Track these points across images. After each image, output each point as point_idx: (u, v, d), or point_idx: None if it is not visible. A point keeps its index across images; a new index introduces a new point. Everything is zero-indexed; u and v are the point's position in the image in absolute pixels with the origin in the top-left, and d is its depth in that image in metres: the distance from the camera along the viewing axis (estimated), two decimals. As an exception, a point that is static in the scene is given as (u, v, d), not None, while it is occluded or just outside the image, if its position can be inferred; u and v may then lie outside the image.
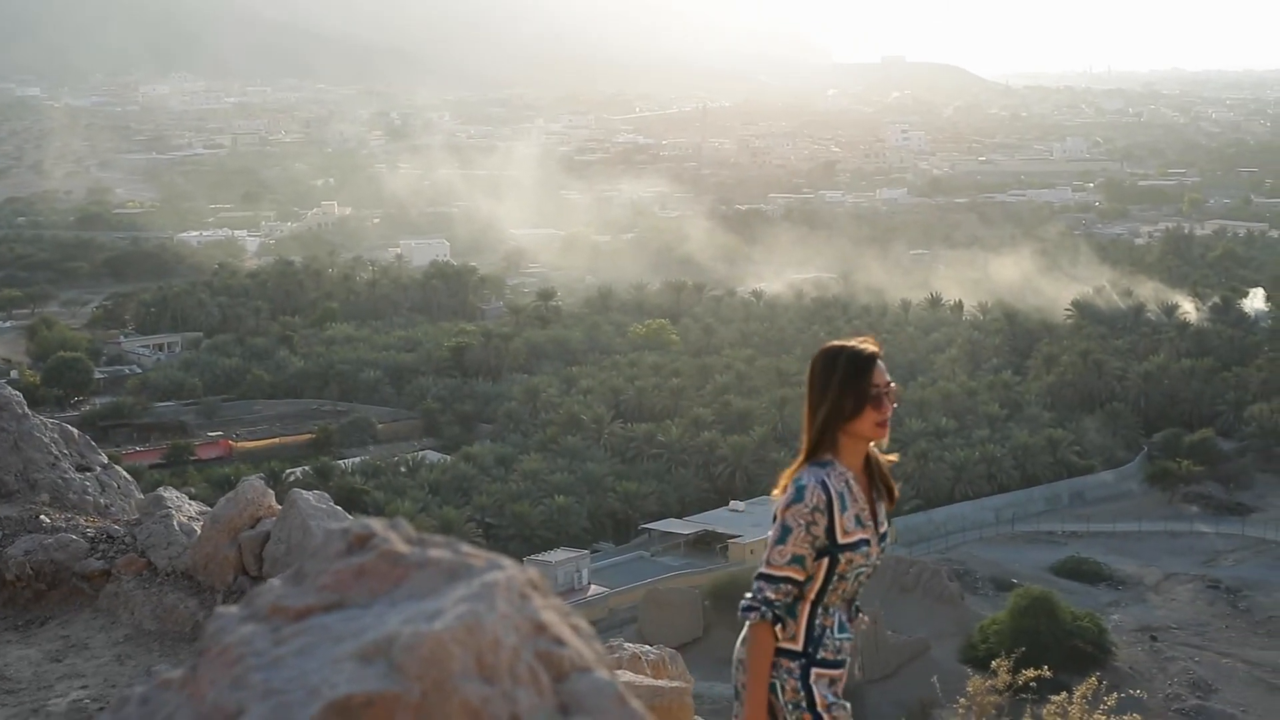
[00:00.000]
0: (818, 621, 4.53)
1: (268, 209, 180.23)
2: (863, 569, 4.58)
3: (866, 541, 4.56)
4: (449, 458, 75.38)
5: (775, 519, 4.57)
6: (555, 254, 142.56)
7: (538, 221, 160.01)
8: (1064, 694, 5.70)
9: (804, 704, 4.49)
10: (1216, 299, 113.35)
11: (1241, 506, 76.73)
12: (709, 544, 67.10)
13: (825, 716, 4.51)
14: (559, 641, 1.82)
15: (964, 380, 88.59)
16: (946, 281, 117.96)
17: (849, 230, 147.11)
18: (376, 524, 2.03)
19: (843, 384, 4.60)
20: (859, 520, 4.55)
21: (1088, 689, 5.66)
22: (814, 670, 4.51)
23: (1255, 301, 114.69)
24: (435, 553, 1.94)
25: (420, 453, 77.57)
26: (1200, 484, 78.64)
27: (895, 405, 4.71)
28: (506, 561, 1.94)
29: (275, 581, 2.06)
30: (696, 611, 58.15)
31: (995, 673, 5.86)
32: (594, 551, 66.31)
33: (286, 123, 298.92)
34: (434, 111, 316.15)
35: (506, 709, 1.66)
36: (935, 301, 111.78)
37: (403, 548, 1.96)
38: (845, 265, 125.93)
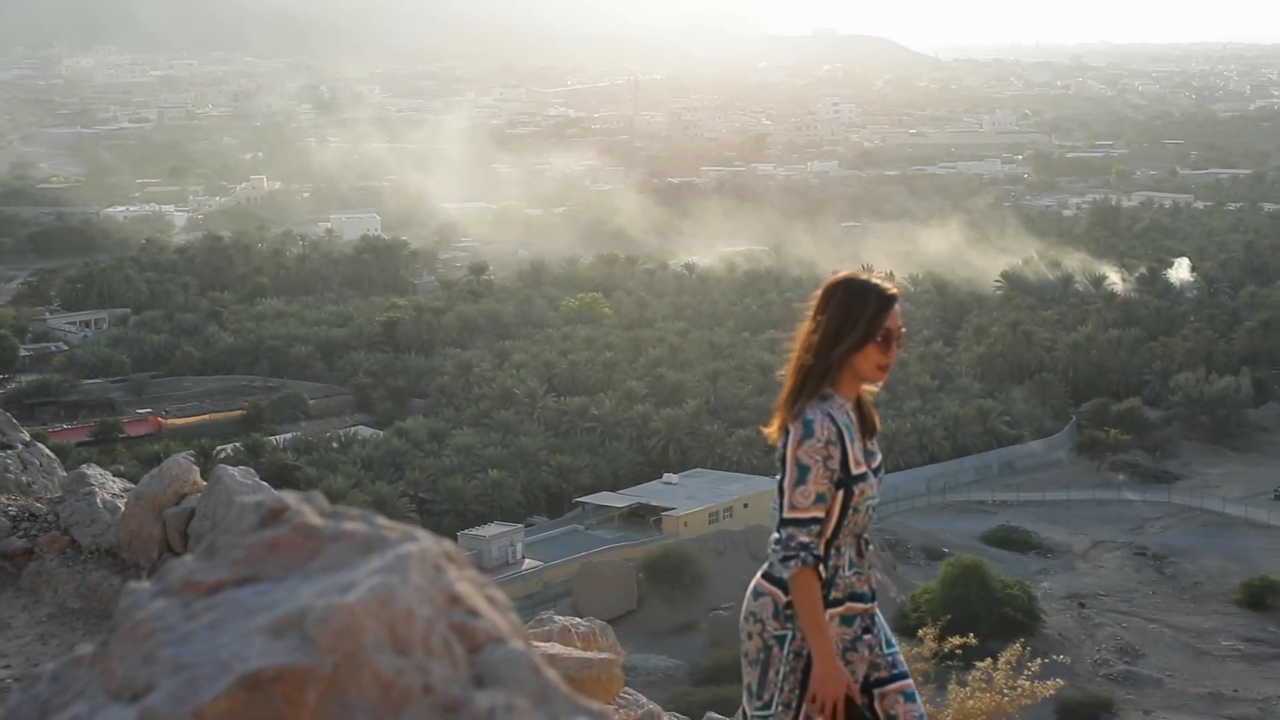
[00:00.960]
0: (831, 562, 4.43)
1: (195, 184, 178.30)
2: (871, 500, 4.49)
3: (869, 474, 4.50)
4: (381, 433, 75.10)
5: (785, 461, 4.45)
6: (487, 228, 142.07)
7: (469, 195, 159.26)
8: (989, 660, 5.75)
9: (805, 652, 4.36)
10: (1143, 270, 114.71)
11: (1167, 474, 77.79)
12: (643, 517, 67.23)
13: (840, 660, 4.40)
14: (473, 613, 1.81)
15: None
16: (877, 254, 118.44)
17: (780, 203, 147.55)
18: (290, 497, 2.01)
19: (870, 319, 4.55)
20: (865, 452, 4.51)
21: (1012, 655, 5.71)
22: (826, 613, 4.39)
23: (1180, 272, 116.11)
24: (350, 525, 1.92)
25: (352, 428, 77.20)
26: (1127, 453, 79.63)
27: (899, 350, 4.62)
28: (421, 533, 1.92)
29: (188, 557, 2.03)
30: (631, 584, 58.29)
31: (922, 640, 5.89)
32: (528, 525, 66.30)
33: (214, 96, 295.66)
34: (364, 85, 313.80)
35: (419, 680, 1.66)
36: (866, 274, 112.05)
37: (316, 520, 1.93)
38: (776, 238, 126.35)
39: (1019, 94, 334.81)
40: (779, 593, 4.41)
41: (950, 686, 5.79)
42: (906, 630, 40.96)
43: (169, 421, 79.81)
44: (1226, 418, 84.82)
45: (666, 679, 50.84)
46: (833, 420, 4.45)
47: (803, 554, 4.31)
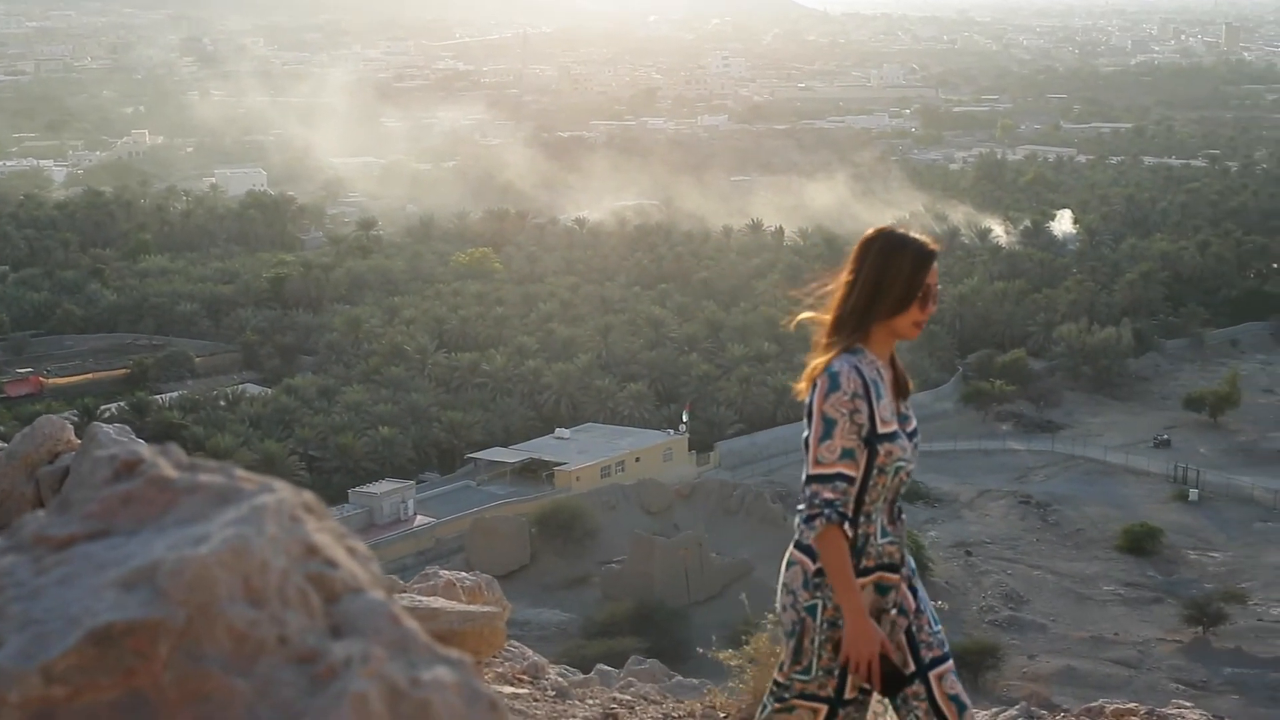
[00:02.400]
0: (860, 530, 4.25)
1: (74, 138, 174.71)
2: (901, 463, 4.29)
3: (900, 434, 4.30)
4: (270, 390, 74.28)
5: (811, 415, 4.25)
6: (375, 183, 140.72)
7: (356, 150, 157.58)
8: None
9: (840, 621, 4.18)
10: (1027, 223, 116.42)
11: (1051, 424, 79.17)
12: (535, 472, 67.24)
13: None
14: (331, 563, 1.78)
15: (785, 304, 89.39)
16: (766, 207, 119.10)
17: (670, 157, 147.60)
18: (145, 450, 1.96)
19: (910, 278, 4.34)
20: (895, 413, 4.32)
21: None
22: (859, 582, 4.21)
23: (1063, 224, 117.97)
24: (205, 477, 1.88)
25: (240, 386, 76.27)
26: (1012, 403, 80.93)
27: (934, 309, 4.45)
28: (279, 484, 1.89)
29: (40, 511, 1.99)
30: (523, 539, 58.31)
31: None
32: (420, 482, 66.04)
33: (92, 48, 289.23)
34: (247, 37, 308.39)
35: (274, 631, 1.65)
36: (756, 227, 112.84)
37: (171, 473, 1.90)
38: (667, 192, 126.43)
39: (906, 48, 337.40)
40: (808, 560, 4.27)
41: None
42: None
43: (51, 381, 78.31)
44: (1108, 368, 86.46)
45: (559, 633, 51.00)
46: (860, 374, 4.26)
47: (827, 511, 4.15)
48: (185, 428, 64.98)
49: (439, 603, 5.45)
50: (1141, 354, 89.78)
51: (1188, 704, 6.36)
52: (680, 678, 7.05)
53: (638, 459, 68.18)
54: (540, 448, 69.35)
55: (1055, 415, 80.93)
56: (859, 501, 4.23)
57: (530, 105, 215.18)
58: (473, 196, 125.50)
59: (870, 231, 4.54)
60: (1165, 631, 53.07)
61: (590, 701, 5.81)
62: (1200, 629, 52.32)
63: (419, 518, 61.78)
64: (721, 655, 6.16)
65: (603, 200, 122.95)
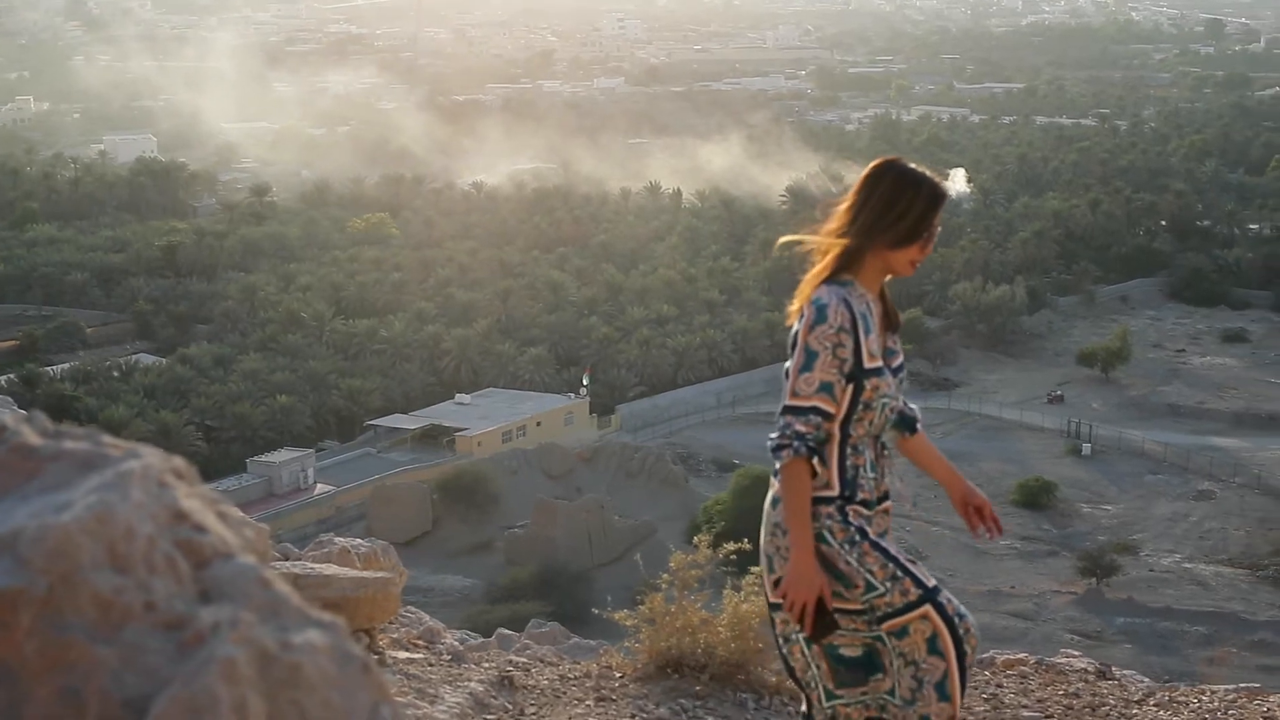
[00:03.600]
0: (849, 462, 4.13)
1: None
2: (887, 398, 4.17)
3: (886, 370, 4.19)
4: (164, 360, 73.22)
5: (795, 345, 4.11)
6: (268, 148, 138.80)
7: (248, 115, 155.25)
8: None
9: (857, 537, 4.08)
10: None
11: (947, 382, 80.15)
12: (436, 438, 66.99)
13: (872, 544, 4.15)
14: (200, 529, 1.75)
15: (684, 267, 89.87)
16: (662, 170, 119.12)
17: (566, 120, 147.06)
18: (8, 417, 1.91)
19: (918, 218, 4.22)
20: (882, 348, 4.21)
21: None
22: (849, 509, 4.11)
23: (957, 184, 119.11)
24: (71, 444, 1.83)
25: (133, 356, 75.10)
26: (909, 361, 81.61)
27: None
28: (147, 450, 1.85)
29: (-100, 482, 1.93)
30: (425, 506, 58.14)
31: (697, 547, 5.95)
32: (319, 450, 65.54)
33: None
34: (133, 0, 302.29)
35: (141, 598, 1.64)
36: (654, 190, 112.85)
37: (35, 440, 1.84)
38: (564, 155, 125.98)
39: (801, 10, 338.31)
40: None
41: (725, 592, 5.87)
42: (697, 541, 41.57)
43: (-63, 354, 76.65)
44: (1002, 326, 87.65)
45: (463, 599, 50.97)
46: (848, 307, 4.11)
47: (796, 443, 4.00)
48: (78, 399, 63.94)
49: (331, 569, 5.40)
50: (1035, 311, 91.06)
51: (1076, 653, 6.48)
52: (578, 639, 7.06)
53: (539, 423, 68.13)
54: (441, 414, 69.08)
55: (951, 373, 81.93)
56: (845, 434, 4.13)
57: (425, 68, 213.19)
58: (368, 161, 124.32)
59: (879, 162, 4.43)
60: (1060, 584, 54.10)
61: (486, 665, 5.79)
62: (1094, 580, 53.38)
63: (319, 486, 61.36)
64: (617, 616, 6.17)
65: (499, 164, 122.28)
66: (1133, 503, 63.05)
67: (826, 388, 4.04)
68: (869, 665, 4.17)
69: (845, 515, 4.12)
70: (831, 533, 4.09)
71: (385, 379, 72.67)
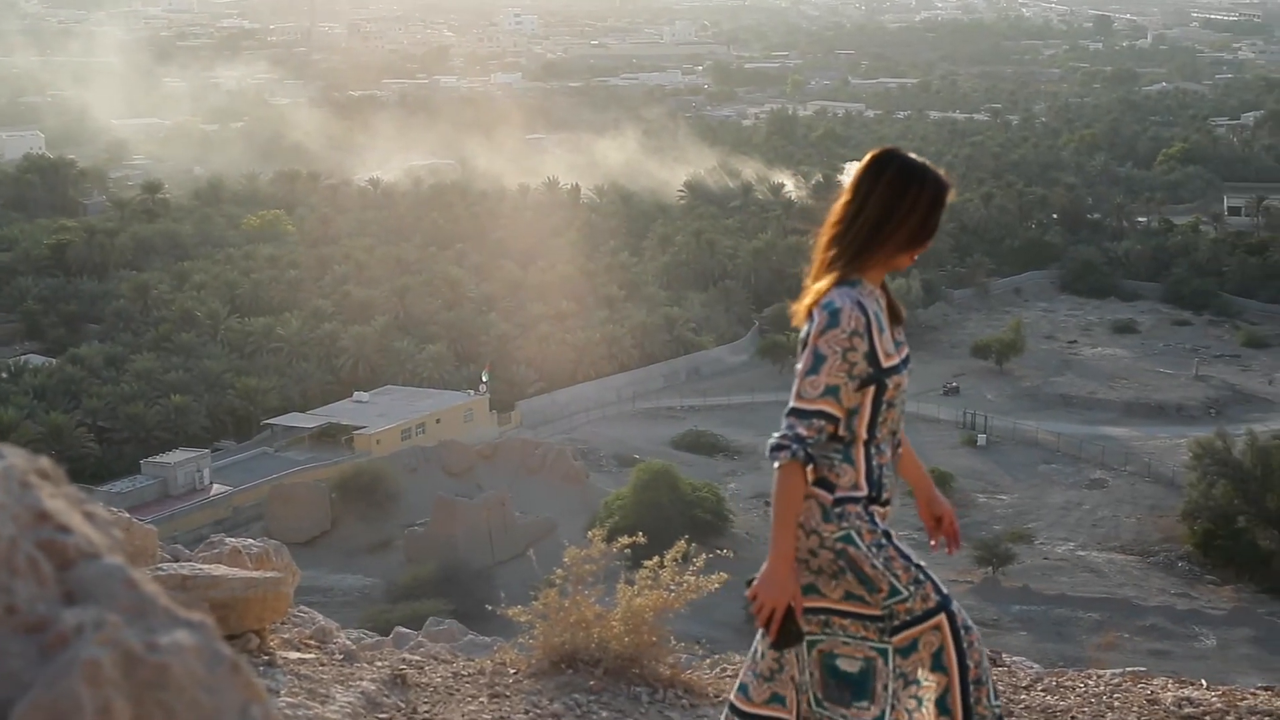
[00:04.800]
0: (874, 461, 4.07)
1: None
2: (904, 393, 4.13)
3: (902, 366, 4.10)
4: (54, 361, 71.86)
5: (804, 348, 4.03)
6: (159, 145, 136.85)
7: (139, 111, 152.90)
8: (656, 558, 5.86)
9: (884, 542, 4.01)
10: (819, 177, 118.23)
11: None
12: (334, 436, 66.42)
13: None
14: (64, 529, 1.74)
15: (583, 263, 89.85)
16: (559, 165, 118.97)
17: (463, 116, 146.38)
18: None
19: (928, 213, 4.08)
20: (894, 342, 4.11)
21: (678, 552, 5.83)
22: (874, 509, 4.05)
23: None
24: (-70, 445, 1.79)
25: (22, 357, 73.65)
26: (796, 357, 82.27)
27: None
28: (9, 450, 1.81)
29: None
30: (324, 505, 57.63)
31: (590, 542, 5.96)
32: (215, 450, 64.70)
33: None
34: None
35: (2, 602, 1.64)
36: (552, 185, 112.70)
37: (-106, 441, 1.80)
38: (461, 151, 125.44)
39: (697, 5, 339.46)
40: (822, 492, 4.05)
41: (620, 586, 5.88)
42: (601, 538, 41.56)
43: None
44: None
45: (363, 598, 50.59)
46: (862, 309, 4.03)
47: (795, 446, 3.92)
48: (-35, 402, 62.61)
49: (221, 570, 5.34)
50: (930, 304, 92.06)
51: (968, 641, 6.54)
52: (474, 636, 7.03)
53: (438, 420, 67.79)
54: (338, 412, 68.49)
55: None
56: (871, 433, 4.07)
57: (319, 64, 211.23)
58: (262, 158, 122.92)
59: (878, 153, 4.25)
60: (957, 573, 54.70)
61: (379, 664, 5.75)
62: (990, 569, 54.08)
63: (215, 487, 60.56)
64: (511, 612, 6.16)
65: (396, 160, 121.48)
66: (1027, 492, 63.96)
67: (832, 391, 3.97)
68: (859, 687, 4.08)
69: (872, 518, 4.06)
70: (860, 534, 4.03)
71: (282, 378, 71.90)
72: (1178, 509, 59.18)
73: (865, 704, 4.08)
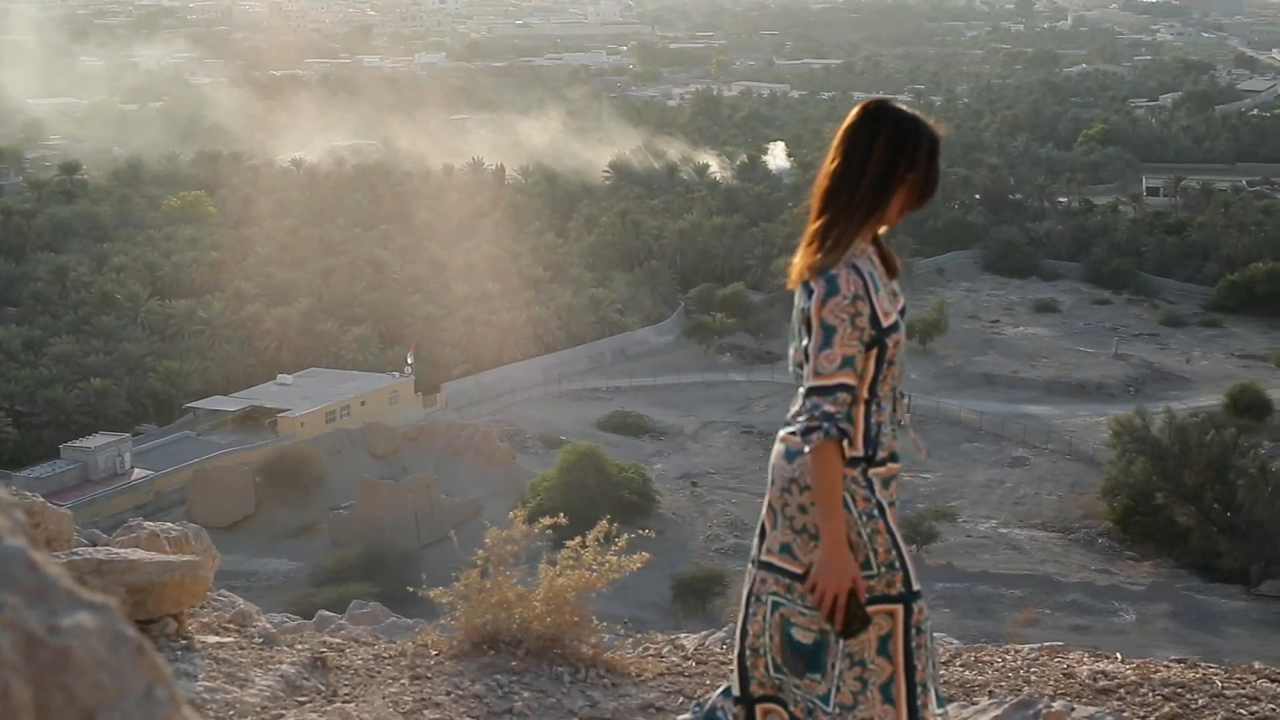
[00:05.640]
0: (873, 420, 4.00)
1: None
2: (903, 348, 4.06)
3: (900, 322, 4.02)
4: (-30, 345, 70.79)
5: (810, 323, 3.94)
6: (77, 125, 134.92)
7: (55, 91, 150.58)
8: (578, 539, 5.87)
9: (875, 512, 3.97)
10: (744, 158, 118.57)
11: (770, 355, 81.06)
12: (257, 420, 65.90)
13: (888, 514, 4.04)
14: (-38, 512, 1.74)
15: (508, 244, 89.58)
16: (483, 146, 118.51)
17: (386, 96, 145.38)
18: None
19: (928, 166, 4.01)
20: (890, 297, 4.02)
21: (599, 532, 5.84)
22: (871, 470, 3.99)
23: (777, 158, 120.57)
24: None
25: (-63, 341, 72.49)
26: (733, 335, 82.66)
27: None
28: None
29: None
30: (247, 489, 57.19)
31: (511, 523, 5.96)
32: (136, 434, 64.00)
33: None
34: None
35: None
36: (477, 166, 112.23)
37: None
38: (385, 131, 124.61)
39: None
40: None
41: (541, 566, 5.88)
42: (527, 519, 41.53)
43: None
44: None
45: (288, 582, 50.28)
46: (858, 272, 3.94)
47: (826, 425, 3.85)
48: (-122, 386, 61.56)
49: (137, 554, 5.28)
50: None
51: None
52: (396, 619, 7.01)
53: (363, 403, 67.42)
54: (262, 395, 67.95)
55: (774, 346, 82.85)
56: (873, 392, 4.00)
57: (240, 43, 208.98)
58: (182, 138, 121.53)
59: (869, 107, 4.08)
60: (881, 550, 55.16)
61: (299, 647, 5.72)
62: (914, 547, 54.47)
63: (136, 471, 59.91)
64: (433, 594, 6.14)
65: (318, 140, 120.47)
66: (950, 470, 64.53)
67: (849, 362, 3.90)
68: (812, 659, 4.05)
69: (870, 484, 4.01)
70: (854, 498, 3.98)
71: (204, 360, 71.19)
72: (1098, 486, 59.97)
73: (817, 677, 4.06)
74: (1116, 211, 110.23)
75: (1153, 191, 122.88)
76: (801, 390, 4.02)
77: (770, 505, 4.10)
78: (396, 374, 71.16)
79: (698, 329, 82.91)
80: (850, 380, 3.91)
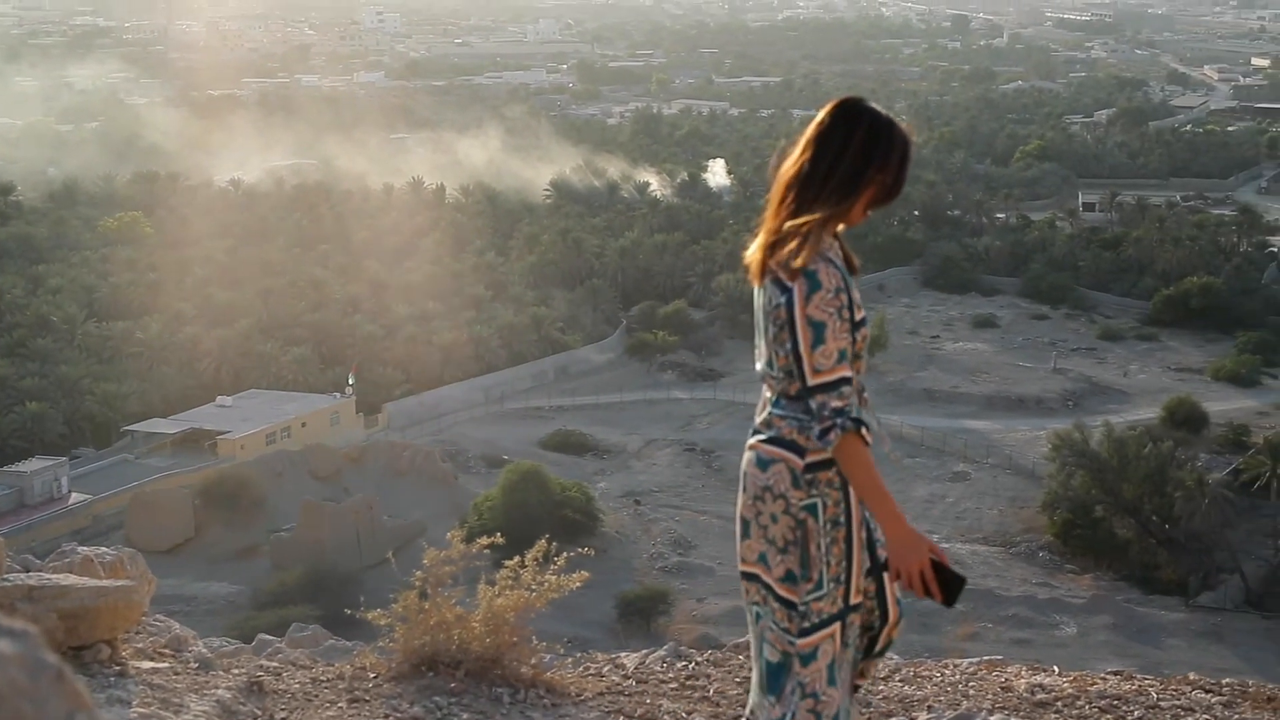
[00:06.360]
0: (812, 424, 3.92)
1: None
2: (868, 344, 4.04)
3: (866, 318, 4.02)
4: (-97, 369, 69.80)
5: (793, 324, 3.88)
6: (10, 146, 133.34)
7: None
8: (517, 558, 5.85)
9: (842, 519, 3.95)
10: (684, 175, 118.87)
11: (713, 372, 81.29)
12: (197, 442, 65.32)
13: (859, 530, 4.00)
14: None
15: (449, 263, 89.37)
16: (423, 165, 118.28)
17: (326, 115, 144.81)
18: None
19: (899, 168, 3.95)
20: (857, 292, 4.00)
21: (539, 551, 5.83)
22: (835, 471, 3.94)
23: (717, 176, 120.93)
24: None
25: None
26: (675, 353, 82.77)
27: None
28: None
29: None
30: (187, 512, 56.67)
31: (450, 543, 5.93)
32: (73, 458, 63.28)
33: None
34: None
35: None
36: (417, 185, 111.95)
37: None
38: (324, 151, 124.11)
39: (560, 4, 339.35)
40: (793, 456, 3.94)
41: (480, 587, 5.86)
42: (470, 540, 41.32)
43: None
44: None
45: (229, 605, 49.81)
46: (834, 265, 3.90)
47: (840, 420, 3.83)
48: None
49: (69, 580, 5.22)
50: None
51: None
52: (334, 642, 6.96)
53: (304, 424, 66.99)
54: (201, 417, 67.38)
55: (716, 363, 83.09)
56: None
57: (176, 62, 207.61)
58: (118, 159, 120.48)
59: (845, 104, 4.06)
60: (824, 566, 55.29)
61: (236, 672, 5.67)
62: (856, 562, 54.65)
63: (74, 495, 59.25)
64: (371, 616, 6.10)
65: (257, 160, 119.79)
66: (892, 485, 62.43)
67: (844, 355, 3.88)
68: (773, 680, 4.03)
69: (845, 487, 3.98)
70: (823, 506, 3.95)
71: (142, 383, 70.53)
72: (1038, 500, 60.40)
73: (773, 700, 4.06)
74: (1053, 227, 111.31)
75: (1089, 207, 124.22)
76: (768, 393, 4.01)
77: (742, 516, 4.08)
78: (337, 395, 70.78)
79: (640, 347, 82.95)
80: (849, 373, 3.90)
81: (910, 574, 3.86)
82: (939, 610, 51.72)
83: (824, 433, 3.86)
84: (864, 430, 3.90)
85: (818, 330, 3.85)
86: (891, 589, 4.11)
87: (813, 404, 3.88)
